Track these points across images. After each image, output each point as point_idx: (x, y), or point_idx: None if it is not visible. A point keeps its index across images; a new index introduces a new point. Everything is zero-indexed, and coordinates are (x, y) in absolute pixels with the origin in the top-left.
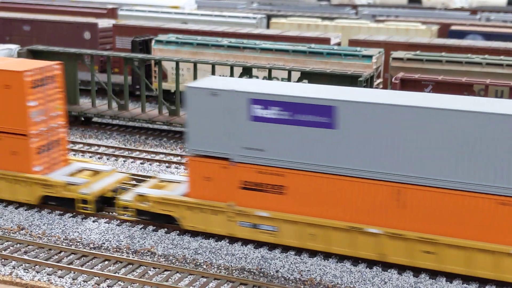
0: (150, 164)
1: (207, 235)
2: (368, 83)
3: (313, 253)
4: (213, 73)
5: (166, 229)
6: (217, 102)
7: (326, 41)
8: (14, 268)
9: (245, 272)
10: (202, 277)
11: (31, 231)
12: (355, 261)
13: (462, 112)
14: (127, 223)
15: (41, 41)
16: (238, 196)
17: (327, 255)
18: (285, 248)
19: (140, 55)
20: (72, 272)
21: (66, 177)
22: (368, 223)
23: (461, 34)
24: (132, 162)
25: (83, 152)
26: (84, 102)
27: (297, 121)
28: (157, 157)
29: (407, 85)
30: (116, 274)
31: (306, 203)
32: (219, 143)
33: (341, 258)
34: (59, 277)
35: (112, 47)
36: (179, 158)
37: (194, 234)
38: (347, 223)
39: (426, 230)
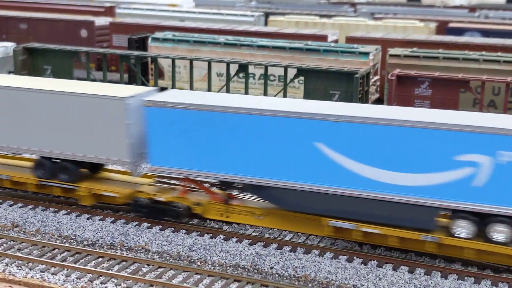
0: None
1: (201, 232)
2: (365, 80)
3: (307, 250)
4: (209, 70)
5: (160, 226)
6: None
7: (323, 38)
8: (7, 265)
9: (239, 268)
10: (196, 274)
11: (25, 228)
12: (350, 257)
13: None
14: (122, 220)
15: (38, 39)
16: None
17: (322, 252)
18: (280, 245)
19: (136, 53)
20: (65, 269)
21: None
22: None
23: (459, 32)
24: None
25: None
26: None
27: None
28: None
29: (403, 81)
30: (110, 271)
31: None
32: None
33: (336, 254)
34: (52, 274)
35: (109, 45)
36: None
37: (189, 231)
38: None
39: None
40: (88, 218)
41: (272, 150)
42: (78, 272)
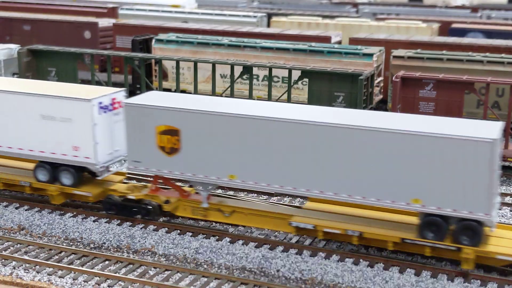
0: None
1: (208, 234)
2: (369, 81)
3: (314, 252)
4: (213, 72)
5: (167, 229)
6: None
7: (326, 39)
8: (14, 268)
9: (246, 271)
10: (203, 276)
11: (31, 231)
12: (356, 260)
13: None
14: (128, 223)
15: (42, 41)
16: None
17: (328, 254)
18: (286, 247)
19: (140, 54)
20: (73, 272)
21: None
22: None
23: (462, 32)
24: None
25: None
26: None
27: None
28: None
29: (408, 83)
30: (117, 274)
31: None
32: None
33: (342, 257)
34: (59, 277)
35: (113, 46)
36: None
37: (195, 233)
38: None
39: None
40: (94, 221)
41: None
42: (86, 275)
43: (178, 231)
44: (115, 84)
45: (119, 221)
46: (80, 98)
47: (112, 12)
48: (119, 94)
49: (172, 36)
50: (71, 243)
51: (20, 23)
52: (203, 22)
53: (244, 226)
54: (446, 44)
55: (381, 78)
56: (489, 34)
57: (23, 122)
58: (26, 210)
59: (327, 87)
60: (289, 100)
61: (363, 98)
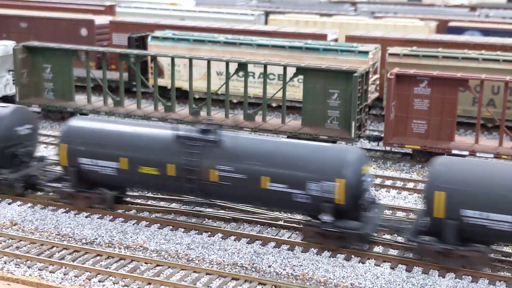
0: None
1: (200, 230)
2: (364, 78)
3: (306, 248)
4: (208, 69)
5: (159, 224)
6: None
7: (323, 37)
8: (5, 263)
9: (237, 267)
10: (194, 272)
11: (23, 227)
12: (348, 256)
13: None
14: (120, 219)
15: (38, 38)
16: None
17: (319, 250)
18: (278, 243)
19: (136, 51)
20: (64, 267)
21: None
22: None
23: (459, 30)
24: None
25: None
26: (80, 99)
27: None
28: None
29: (402, 80)
30: (108, 269)
31: None
32: None
33: (333, 253)
34: (50, 272)
35: (109, 43)
36: None
37: (187, 229)
38: None
39: None
40: (86, 217)
41: None
42: (76, 270)
43: (171, 227)
44: (112, 82)
45: (111, 217)
46: None
47: (109, 10)
48: None
49: (168, 33)
50: (62, 239)
51: (16, 20)
52: (200, 20)
53: (235, 222)
54: (442, 42)
55: (377, 76)
56: (486, 32)
57: None
58: (18, 205)
59: (322, 84)
60: (284, 97)
61: (357, 95)
